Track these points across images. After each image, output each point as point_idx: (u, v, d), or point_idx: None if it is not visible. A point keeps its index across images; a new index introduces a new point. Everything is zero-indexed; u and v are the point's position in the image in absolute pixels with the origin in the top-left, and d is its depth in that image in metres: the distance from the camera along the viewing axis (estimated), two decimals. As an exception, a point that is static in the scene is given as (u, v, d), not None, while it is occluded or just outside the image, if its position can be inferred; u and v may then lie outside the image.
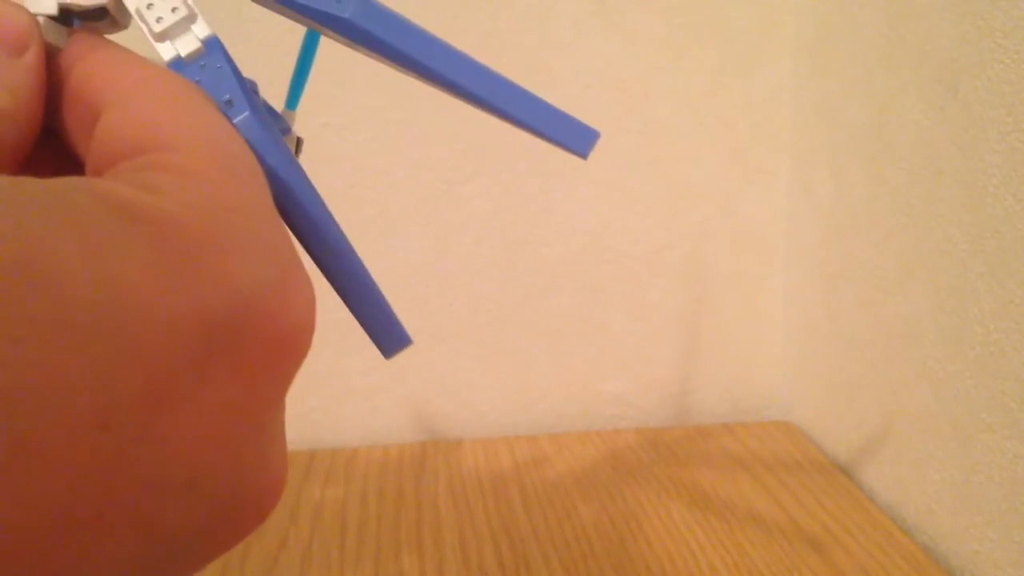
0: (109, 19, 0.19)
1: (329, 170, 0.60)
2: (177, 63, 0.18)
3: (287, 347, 0.15)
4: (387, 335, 0.18)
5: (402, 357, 0.69)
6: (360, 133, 0.59)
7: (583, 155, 0.20)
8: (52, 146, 0.19)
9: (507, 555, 0.48)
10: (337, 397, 0.64)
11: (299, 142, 0.23)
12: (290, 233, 0.18)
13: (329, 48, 0.62)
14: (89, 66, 0.18)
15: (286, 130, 0.23)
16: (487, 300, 0.63)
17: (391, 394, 0.64)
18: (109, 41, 0.19)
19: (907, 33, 0.48)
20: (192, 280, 0.13)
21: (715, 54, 0.61)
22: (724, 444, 0.61)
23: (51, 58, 0.18)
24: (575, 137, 0.20)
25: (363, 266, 0.18)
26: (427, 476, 0.57)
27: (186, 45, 0.18)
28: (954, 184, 0.45)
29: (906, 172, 0.49)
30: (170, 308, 0.13)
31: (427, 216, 0.61)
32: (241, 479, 0.15)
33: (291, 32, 0.25)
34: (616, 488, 0.55)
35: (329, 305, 0.70)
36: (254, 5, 0.21)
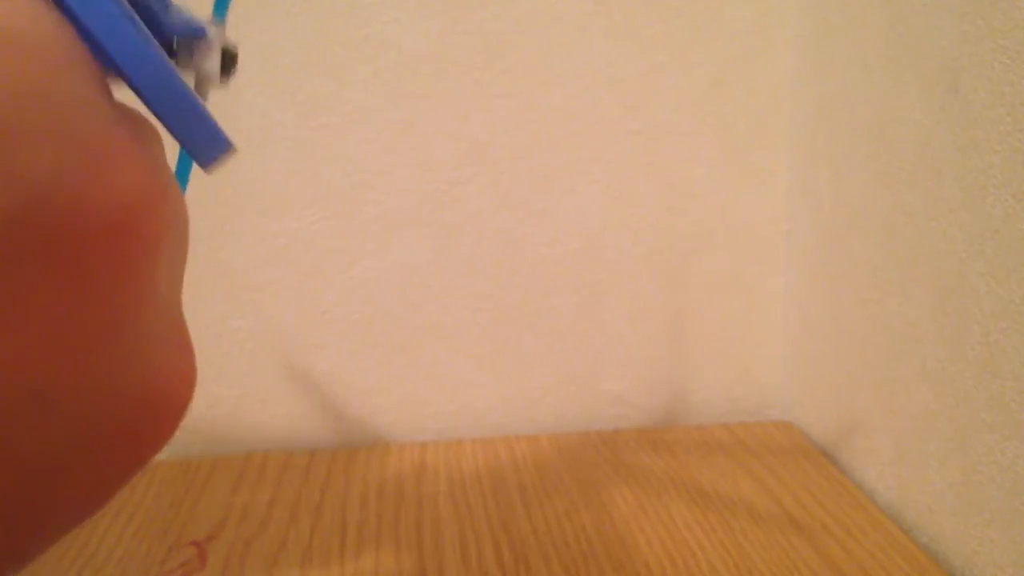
0: None
1: (329, 170, 0.60)
2: None
3: (106, 236, 0.13)
4: (202, 141, 0.15)
5: (402, 357, 0.69)
6: (360, 133, 0.59)
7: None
8: None
9: (507, 555, 0.48)
10: (337, 397, 0.64)
11: (230, 56, 0.20)
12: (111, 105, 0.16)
13: (329, 48, 0.62)
14: None
15: (198, 31, 0.19)
16: (487, 300, 0.63)
17: (391, 394, 0.64)
18: None
19: (907, 33, 0.48)
20: None
21: (715, 54, 0.61)
22: (724, 444, 0.61)
23: None
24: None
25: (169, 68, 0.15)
26: (427, 476, 0.57)
27: None
28: (954, 184, 0.45)
29: (906, 172, 0.49)
30: None
31: (427, 216, 0.61)
32: (105, 387, 0.14)
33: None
34: (616, 488, 0.55)
35: (329, 305, 0.70)
36: None
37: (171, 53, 0.19)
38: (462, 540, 0.50)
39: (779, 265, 0.65)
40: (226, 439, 0.63)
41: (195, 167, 0.18)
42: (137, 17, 0.15)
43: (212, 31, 0.21)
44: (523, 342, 0.64)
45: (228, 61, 0.21)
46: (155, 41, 0.16)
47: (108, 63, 0.15)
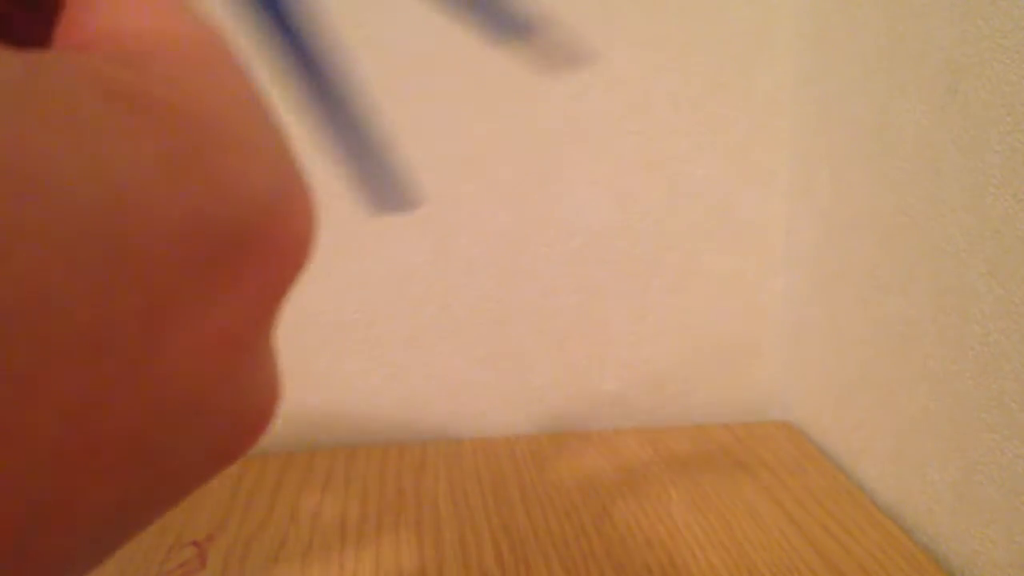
0: None
1: (329, 170, 0.59)
2: None
3: (290, 257, 0.14)
4: (383, 190, 0.16)
5: (402, 357, 0.69)
6: (360, 133, 0.59)
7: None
8: None
9: (507, 555, 0.48)
10: (337, 397, 0.64)
11: None
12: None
13: (329, 47, 0.62)
14: None
15: None
16: (487, 300, 0.63)
17: (391, 394, 0.64)
18: None
19: (907, 33, 0.48)
20: (198, 181, 0.12)
21: (715, 54, 0.61)
22: (724, 444, 0.61)
23: None
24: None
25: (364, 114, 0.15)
26: (427, 476, 0.57)
27: None
28: (954, 184, 0.45)
29: (906, 172, 0.49)
30: (176, 213, 0.11)
31: (427, 216, 0.61)
32: (238, 399, 0.14)
33: None
34: (616, 488, 0.55)
35: (329, 306, 0.71)
36: None
37: None
38: (462, 540, 0.50)
39: (779, 265, 0.65)
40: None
41: None
42: None
43: None
44: (523, 342, 0.64)
45: None
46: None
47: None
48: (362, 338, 0.62)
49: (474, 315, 0.63)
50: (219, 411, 0.13)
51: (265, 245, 0.13)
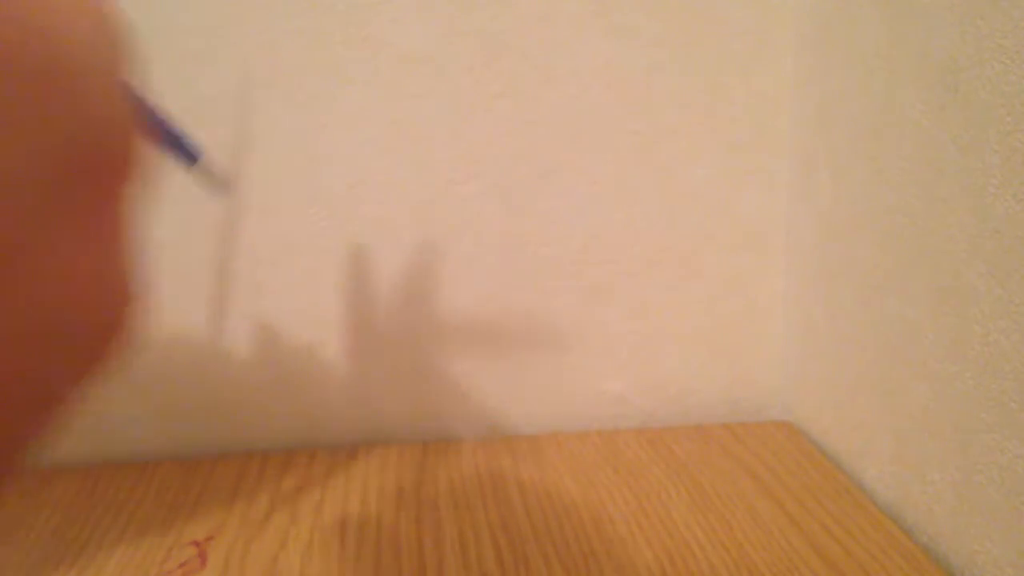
0: None
1: (329, 170, 0.60)
2: None
3: (120, 167, 0.15)
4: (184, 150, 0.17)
5: (402, 357, 0.69)
6: (360, 133, 0.59)
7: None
8: None
9: (507, 555, 0.48)
10: (337, 397, 0.64)
11: None
12: None
13: (329, 47, 0.62)
14: None
15: None
16: (487, 300, 0.63)
17: (391, 394, 0.64)
18: None
19: (907, 33, 0.48)
20: (40, 121, 0.12)
21: (715, 54, 0.61)
22: (724, 444, 0.61)
23: None
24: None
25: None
26: (427, 476, 0.57)
27: None
28: (954, 184, 0.45)
29: (906, 172, 0.49)
30: (15, 151, 0.12)
31: (427, 216, 0.61)
32: (75, 299, 0.14)
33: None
34: (616, 488, 0.55)
35: (329, 306, 0.70)
36: None
37: None
38: (462, 540, 0.50)
39: (779, 265, 0.65)
40: (226, 439, 0.63)
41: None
42: None
43: None
44: (523, 342, 0.64)
45: None
46: None
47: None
48: (362, 338, 0.62)
49: (474, 315, 0.63)
50: (69, 322, 0.14)
51: (107, 161, 0.14)
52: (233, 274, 0.60)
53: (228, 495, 0.55)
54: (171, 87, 0.48)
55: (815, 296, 0.62)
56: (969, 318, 0.44)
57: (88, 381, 0.15)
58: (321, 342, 0.62)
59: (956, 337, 0.45)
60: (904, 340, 0.50)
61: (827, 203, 0.59)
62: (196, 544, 0.50)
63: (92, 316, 0.14)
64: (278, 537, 0.50)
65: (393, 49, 0.58)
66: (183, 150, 0.20)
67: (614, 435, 0.63)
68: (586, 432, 0.64)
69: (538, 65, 0.60)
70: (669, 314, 0.65)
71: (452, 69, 0.59)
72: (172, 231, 0.58)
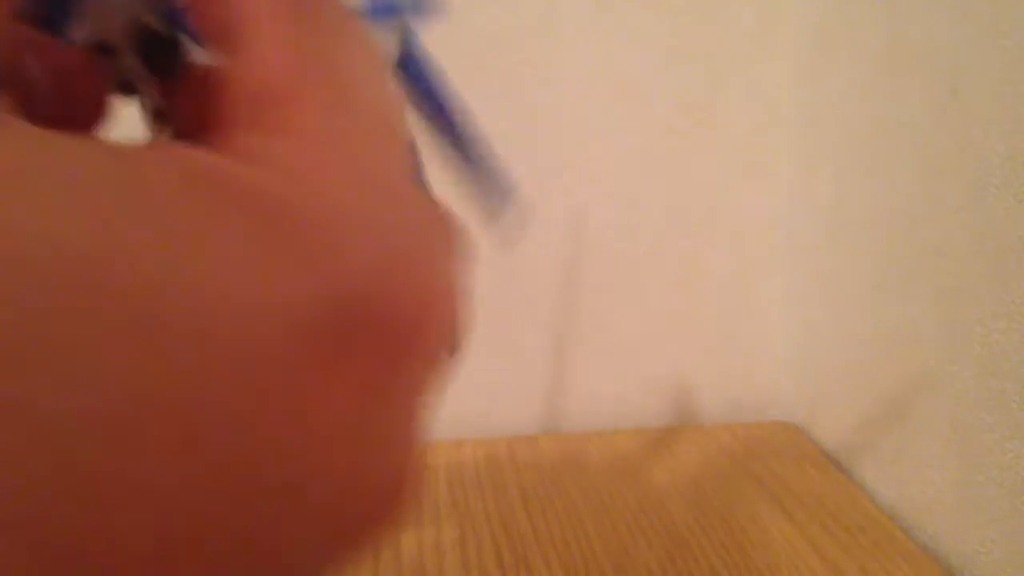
0: None
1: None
2: None
3: (408, 330, 0.13)
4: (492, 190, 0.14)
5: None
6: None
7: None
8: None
9: (507, 555, 0.48)
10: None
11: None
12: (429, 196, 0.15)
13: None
14: None
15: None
16: (487, 300, 0.63)
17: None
18: None
19: (907, 33, 0.48)
20: (292, 271, 0.12)
21: (715, 54, 0.61)
22: (724, 445, 0.61)
23: None
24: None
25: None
26: (427, 476, 0.57)
27: None
28: (954, 184, 0.45)
29: (906, 172, 0.49)
30: (266, 305, 0.11)
31: (427, 216, 0.61)
32: (356, 485, 0.13)
33: None
34: (616, 488, 0.55)
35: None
36: None
37: None
38: (462, 540, 0.50)
39: (779, 265, 0.65)
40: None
41: None
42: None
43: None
44: (523, 342, 0.64)
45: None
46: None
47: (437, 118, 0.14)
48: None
49: (474, 315, 0.63)
50: (329, 491, 0.13)
51: (380, 326, 0.13)
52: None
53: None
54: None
55: (816, 296, 0.62)
56: (969, 318, 0.44)
57: (335, 556, 0.13)
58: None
59: (956, 337, 0.45)
60: (904, 340, 0.50)
61: (828, 203, 0.59)
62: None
63: (358, 488, 0.13)
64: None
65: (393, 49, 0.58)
66: (493, 187, 0.18)
67: (614, 435, 0.63)
68: (586, 432, 0.64)
69: (538, 65, 0.60)
70: (669, 314, 0.65)
71: (452, 69, 0.59)
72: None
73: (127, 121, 0.17)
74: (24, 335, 0.09)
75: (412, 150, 0.14)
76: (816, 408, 0.63)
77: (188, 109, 0.18)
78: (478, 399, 0.65)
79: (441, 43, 0.64)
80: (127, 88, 0.17)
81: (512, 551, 0.48)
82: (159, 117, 0.17)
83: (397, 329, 0.13)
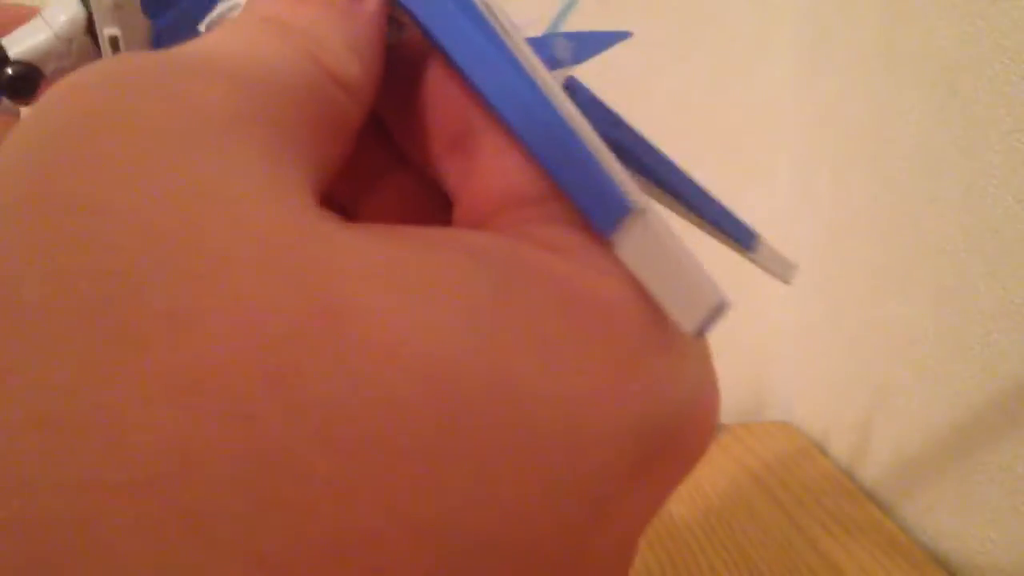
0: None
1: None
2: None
3: (697, 453, 0.14)
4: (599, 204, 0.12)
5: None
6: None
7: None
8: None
9: (507, 555, 0.48)
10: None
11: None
12: None
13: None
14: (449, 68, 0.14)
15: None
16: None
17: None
18: None
19: (907, 33, 0.48)
20: (640, 384, 0.12)
21: (715, 54, 0.61)
22: (724, 444, 0.61)
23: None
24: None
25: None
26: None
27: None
28: (954, 184, 0.45)
29: (906, 172, 0.49)
30: (618, 423, 0.11)
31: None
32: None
33: None
34: (616, 488, 0.55)
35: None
36: None
37: None
38: (462, 540, 0.50)
39: (779, 265, 0.65)
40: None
41: None
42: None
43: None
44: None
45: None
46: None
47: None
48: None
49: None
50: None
51: (682, 443, 0.13)
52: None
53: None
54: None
55: (815, 296, 0.62)
56: (969, 318, 0.44)
57: None
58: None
59: (956, 337, 0.45)
60: (904, 340, 0.50)
61: (827, 203, 0.59)
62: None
63: None
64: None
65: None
66: (736, 233, 0.17)
67: (614, 435, 0.63)
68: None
69: (538, 65, 0.60)
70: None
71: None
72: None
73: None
74: (447, 453, 0.09)
75: None
76: (816, 408, 0.63)
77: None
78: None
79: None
80: None
81: (512, 551, 0.48)
82: None
83: (694, 451, 0.13)
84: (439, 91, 0.14)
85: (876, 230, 0.53)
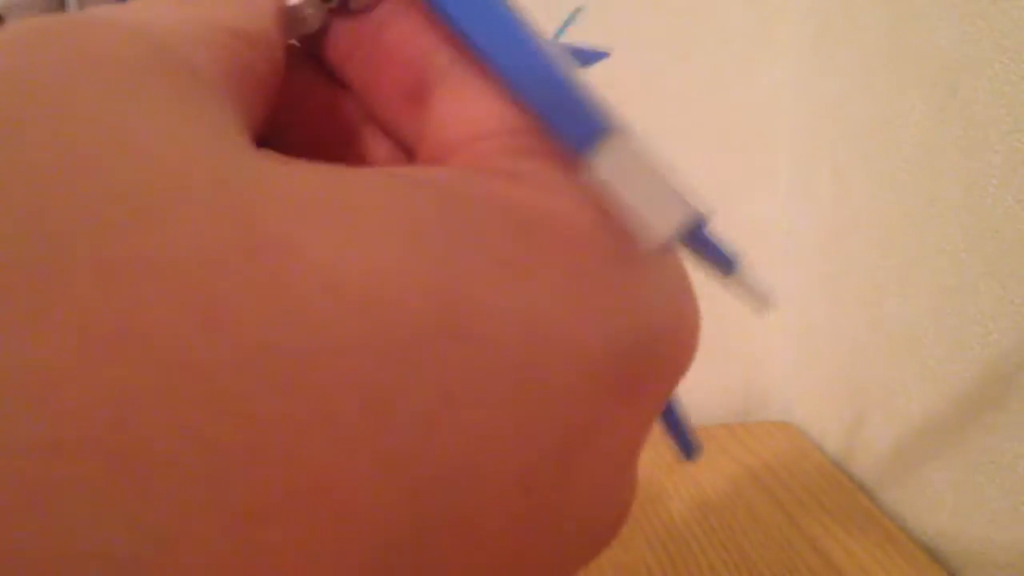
0: None
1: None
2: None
3: (679, 370, 0.13)
4: (577, 126, 0.12)
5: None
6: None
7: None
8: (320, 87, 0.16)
9: (507, 555, 0.48)
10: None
11: None
12: None
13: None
14: (408, 25, 0.14)
15: None
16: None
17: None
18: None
19: (907, 33, 0.48)
20: (604, 302, 0.11)
21: (715, 54, 0.61)
22: (724, 444, 0.61)
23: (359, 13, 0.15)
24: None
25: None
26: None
27: None
28: (954, 184, 0.45)
29: (906, 172, 0.49)
30: (586, 340, 0.11)
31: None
32: (611, 507, 0.14)
33: None
34: (616, 488, 0.55)
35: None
36: None
37: None
38: (462, 540, 0.50)
39: (779, 265, 0.65)
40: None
41: None
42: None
43: None
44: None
45: None
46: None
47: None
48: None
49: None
50: (600, 519, 0.13)
51: (662, 361, 0.13)
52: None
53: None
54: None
55: (815, 296, 0.62)
56: (969, 318, 0.44)
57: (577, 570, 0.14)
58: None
59: (956, 337, 0.45)
60: (904, 340, 0.50)
61: (827, 203, 0.59)
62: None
63: (612, 509, 0.13)
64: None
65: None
66: (717, 258, 0.17)
67: (614, 435, 0.63)
68: (586, 432, 0.64)
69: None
70: (669, 314, 0.65)
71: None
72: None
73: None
74: (401, 384, 0.09)
75: None
76: (815, 408, 0.63)
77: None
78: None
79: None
80: None
81: (512, 551, 0.48)
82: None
83: (675, 370, 0.13)
84: (395, 49, 0.14)
85: (876, 230, 0.53)
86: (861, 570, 0.46)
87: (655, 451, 0.62)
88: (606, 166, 0.12)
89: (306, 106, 0.16)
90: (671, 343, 0.13)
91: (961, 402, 0.45)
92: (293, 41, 0.15)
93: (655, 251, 0.12)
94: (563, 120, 0.12)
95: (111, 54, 0.10)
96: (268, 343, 0.09)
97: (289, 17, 0.14)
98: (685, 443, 0.19)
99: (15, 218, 0.08)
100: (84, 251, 0.08)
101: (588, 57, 0.22)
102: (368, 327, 0.09)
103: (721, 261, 0.16)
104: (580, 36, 0.24)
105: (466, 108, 0.13)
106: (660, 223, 0.12)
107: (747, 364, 0.67)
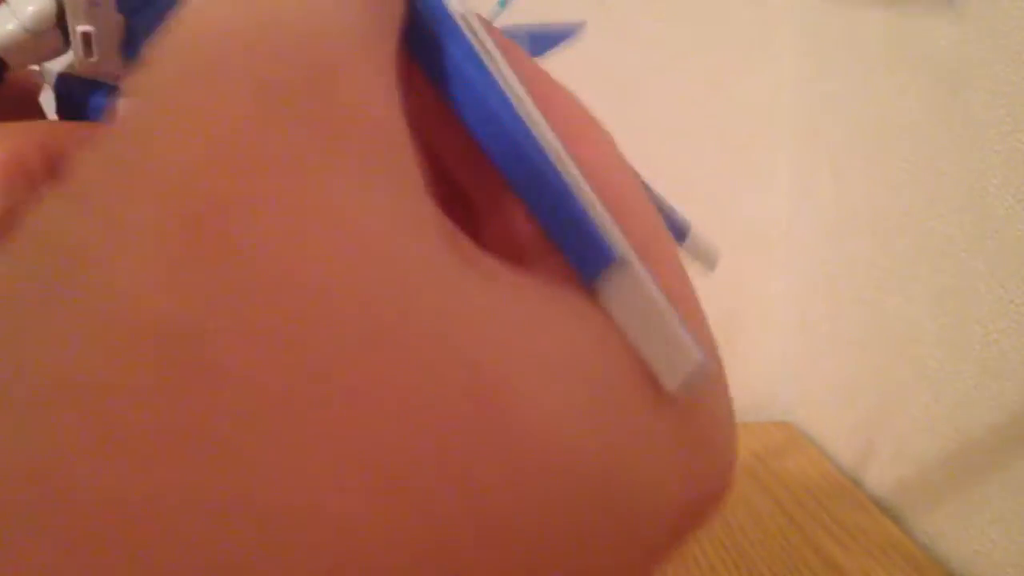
0: None
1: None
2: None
3: (720, 504, 0.14)
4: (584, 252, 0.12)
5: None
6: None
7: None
8: None
9: (507, 555, 0.48)
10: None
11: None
12: None
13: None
14: None
15: None
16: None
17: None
18: None
19: (907, 33, 0.48)
20: (700, 463, 0.12)
21: (715, 54, 0.61)
22: (724, 444, 0.61)
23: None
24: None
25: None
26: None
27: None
28: (954, 184, 0.45)
29: (906, 172, 0.49)
30: (678, 486, 0.12)
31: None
32: None
33: None
34: (616, 488, 0.55)
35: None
36: None
37: None
38: (462, 540, 0.50)
39: (779, 265, 0.65)
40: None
41: None
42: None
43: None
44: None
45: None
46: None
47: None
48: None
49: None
50: None
51: (718, 500, 0.13)
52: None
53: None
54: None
55: (815, 296, 0.62)
56: (969, 318, 0.44)
57: None
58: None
59: (956, 337, 0.45)
60: (904, 340, 0.50)
61: (827, 203, 0.59)
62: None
63: None
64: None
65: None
66: (669, 226, 0.17)
67: (614, 435, 0.63)
68: (586, 432, 0.64)
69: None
70: (669, 314, 0.65)
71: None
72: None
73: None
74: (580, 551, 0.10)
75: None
76: (815, 408, 0.63)
77: None
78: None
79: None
80: None
81: (512, 551, 0.48)
82: None
83: (714, 511, 0.14)
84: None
85: (876, 230, 0.53)
86: (860, 570, 0.46)
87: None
88: (615, 298, 0.12)
89: None
90: (728, 482, 0.14)
91: (961, 402, 0.45)
92: None
93: (672, 394, 0.12)
94: (571, 242, 0.12)
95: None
96: (492, 493, 0.09)
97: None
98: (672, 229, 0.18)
99: (280, 324, 0.08)
100: (342, 379, 0.08)
101: (556, 37, 0.21)
102: (570, 487, 0.10)
103: (673, 230, 0.17)
104: (581, 37, 0.24)
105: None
106: (668, 373, 0.12)
107: (747, 364, 0.67)
